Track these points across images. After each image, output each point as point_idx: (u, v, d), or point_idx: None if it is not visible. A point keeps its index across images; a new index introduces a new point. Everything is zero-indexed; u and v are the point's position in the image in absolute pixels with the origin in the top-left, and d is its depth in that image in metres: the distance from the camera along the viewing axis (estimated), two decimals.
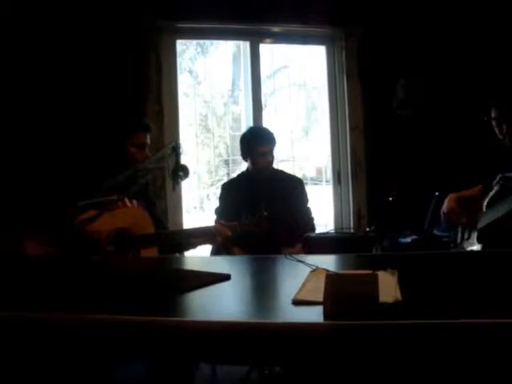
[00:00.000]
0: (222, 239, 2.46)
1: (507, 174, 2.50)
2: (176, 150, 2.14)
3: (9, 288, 1.56)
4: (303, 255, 2.19)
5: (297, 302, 1.32)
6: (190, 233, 2.62)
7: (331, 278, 1.21)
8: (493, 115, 2.61)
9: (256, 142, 3.09)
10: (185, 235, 2.61)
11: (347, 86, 3.99)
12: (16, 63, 3.30)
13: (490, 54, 3.75)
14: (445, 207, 2.77)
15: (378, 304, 1.17)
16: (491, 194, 2.59)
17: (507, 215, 2.42)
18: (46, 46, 3.35)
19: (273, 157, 3.10)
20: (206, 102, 4.37)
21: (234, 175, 3.58)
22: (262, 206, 2.72)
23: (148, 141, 2.59)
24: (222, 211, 3.11)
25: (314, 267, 1.71)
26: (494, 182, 2.57)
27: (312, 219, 3.20)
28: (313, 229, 3.13)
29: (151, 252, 2.33)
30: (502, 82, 3.49)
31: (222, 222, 2.52)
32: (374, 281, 1.19)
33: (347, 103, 4.00)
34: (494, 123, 2.62)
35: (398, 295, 1.31)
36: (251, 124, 3.91)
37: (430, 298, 1.35)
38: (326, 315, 1.18)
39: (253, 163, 3.14)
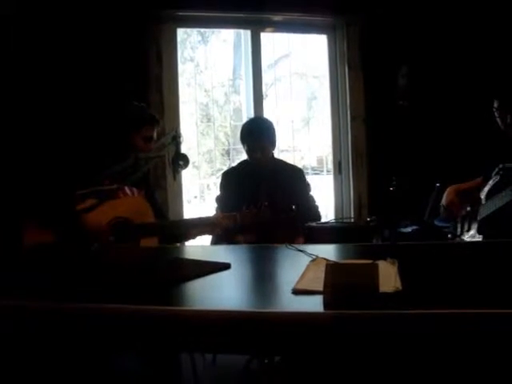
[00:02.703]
0: (222, 230, 2.46)
1: (507, 165, 2.50)
2: (176, 139, 2.14)
3: (7, 277, 1.56)
4: (303, 245, 2.19)
5: (297, 292, 1.32)
6: (189, 223, 2.62)
7: (331, 268, 1.21)
8: (495, 105, 2.60)
9: (243, 138, 3.10)
10: (185, 225, 2.61)
11: (348, 76, 3.97)
12: (17, 55, 3.29)
13: (493, 42, 3.73)
14: (444, 200, 2.76)
15: (378, 294, 1.17)
16: (491, 184, 2.58)
17: (506, 205, 2.42)
18: (47, 37, 3.33)
19: (263, 153, 3.07)
20: (206, 91, 4.36)
21: (234, 165, 3.57)
22: (262, 195, 2.72)
23: (155, 135, 2.59)
24: (222, 199, 3.11)
25: (315, 257, 1.71)
26: (494, 173, 2.57)
27: (317, 207, 3.19)
28: (318, 216, 3.12)
29: (152, 243, 2.33)
30: (505, 73, 3.47)
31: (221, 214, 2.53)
32: (374, 270, 1.19)
33: (348, 92, 3.99)
34: (496, 114, 2.61)
35: (398, 285, 1.31)
36: (252, 113, 3.90)
37: (430, 288, 1.35)
38: (326, 305, 1.18)
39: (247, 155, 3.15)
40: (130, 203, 2.37)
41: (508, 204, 2.41)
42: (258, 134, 3.06)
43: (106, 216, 2.18)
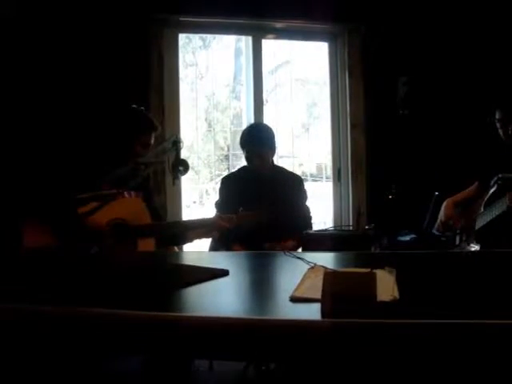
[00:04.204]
0: (219, 232, 2.47)
1: (505, 175, 2.51)
2: (176, 145, 2.14)
3: (7, 280, 1.56)
4: (301, 252, 2.19)
5: (295, 299, 1.32)
6: (186, 224, 2.63)
7: (329, 276, 1.21)
8: (497, 117, 2.61)
9: (243, 144, 3.10)
10: (182, 227, 2.61)
11: (349, 83, 3.98)
12: (19, 60, 3.30)
13: (494, 53, 3.74)
14: (442, 215, 2.77)
15: (375, 302, 1.17)
16: (489, 194, 2.59)
17: (501, 216, 2.43)
18: (49, 40, 3.34)
19: (262, 160, 3.07)
20: (207, 96, 4.36)
21: (234, 170, 3.57)
22: (261, 201, 2.73)
23: (153, 141, 2.59)
24: (221, 205, 3.12)
25: (313, 264, 1.72)
26: (492, 182, 2.58)
27: (310, 218, 3.20)
28: (310, 227, 3.13)
29: (149, 244, 2.34)
30: (507, 83, 3.48)
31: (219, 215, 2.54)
32: (372, 279, 1.19)
33: (348, 100, 3.99)
34: (498, 125, 2.62)
35: (396, 294, 1.32)
36: (252, 119, 3.91)
37: (428, 297, 1.35)
38: (323, 313, 1.18)
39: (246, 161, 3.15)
40: (127, 205, 2.37)
41: (502, 214, 2.42)
42: (257, 140, 3.06)
43: (105, 218, 2.18)
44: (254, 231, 2.71)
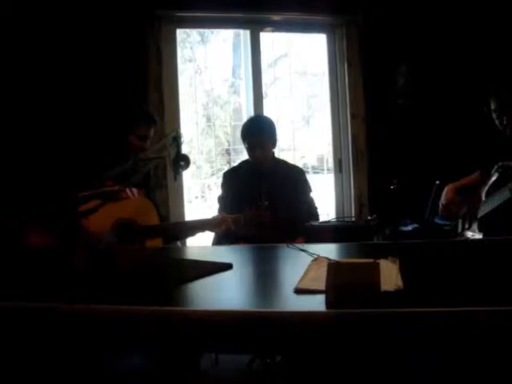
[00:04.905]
0: (225, 229, 2.47)
1: (506, 163, 2.51)
2: (177, 140, 2.14)
3: (11, 278, 1.56)
4: (304, 244, 2.19)
5: (299, 291, 1.33)
6: (194, 224, 2.63)
7: (333, 267, 1.22)
8: (492, 107, 2.62)
9: (244, 135, 3.10)
10: (189, 227, 2.62)
11: (348, 74, 3.97)
12: (16, 56, 3.29)
13: (491, 43, 3.74)
14: (443, 199, 2.77)
15: (379, 292, 1.18)
16: (490, 182, 2.60)
17: (503, 204, 2.43)
18: (46, 37, 3.33)
19: (263, 151, 3.06)
20: (206, 91, 4.36)
21: (235, 164, 3.57)
22: (262, 196, 2.72)
23: (151, 133, 2.59)
24: (223, 199, 3.12)
25: (316, 256, 1.72)
26: (493, 171, 2.58)
27: (316, 209, 3.20)
28: (317, 218, 3.13)
29: (156, 243, 2.34)
30: (501, 74, 3.48)
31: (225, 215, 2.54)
32: (376, 269, 1.19)
33: (348, 91, 3.99)
34: (494, 115, 2.63)
35: (400, 283, 1.32)
36: (252, 113, 3.91)
37: (431, 287, 1.36)
38: (327, 304, 1.19)
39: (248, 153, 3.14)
40: (133, 204, 2.37)
41: (504, 203, 2.43)
42: (257, 131, 3.06)
43: (111, 217, 2.18)
44: (260, 229, 2.71)
